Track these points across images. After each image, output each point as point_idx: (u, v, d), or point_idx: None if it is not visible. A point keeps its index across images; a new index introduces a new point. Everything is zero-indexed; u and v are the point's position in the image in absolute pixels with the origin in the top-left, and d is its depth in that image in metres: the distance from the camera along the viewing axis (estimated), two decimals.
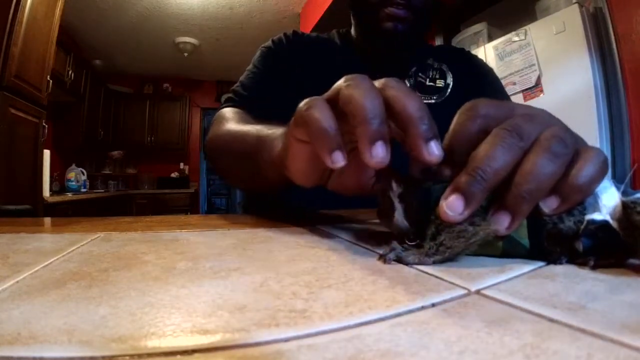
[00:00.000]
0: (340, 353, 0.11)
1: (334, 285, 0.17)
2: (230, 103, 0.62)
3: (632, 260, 0.20)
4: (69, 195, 2.83)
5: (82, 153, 3.71)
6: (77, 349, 0.11)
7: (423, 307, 0.15)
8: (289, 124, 0.29)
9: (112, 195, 3.83)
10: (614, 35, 1.52)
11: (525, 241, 0.22)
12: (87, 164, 3.81)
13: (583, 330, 0.12)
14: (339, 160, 0.23)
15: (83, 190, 3.41)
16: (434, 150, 0.22)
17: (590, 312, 0.14)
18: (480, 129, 0.22)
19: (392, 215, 0.24)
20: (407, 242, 0.23)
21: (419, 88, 0.66)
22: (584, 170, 0.20)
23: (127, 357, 0.11)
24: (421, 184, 0.24)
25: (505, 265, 0.21)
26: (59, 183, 3.20)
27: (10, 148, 1.73)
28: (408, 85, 0.66)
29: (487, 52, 1.92)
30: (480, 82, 0.69)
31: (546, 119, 0.23)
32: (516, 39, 1.77)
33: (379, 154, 0.22)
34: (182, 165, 4.80)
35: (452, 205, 0.20)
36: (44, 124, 2.06)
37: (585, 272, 0.19)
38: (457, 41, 2.27)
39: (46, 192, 2.25)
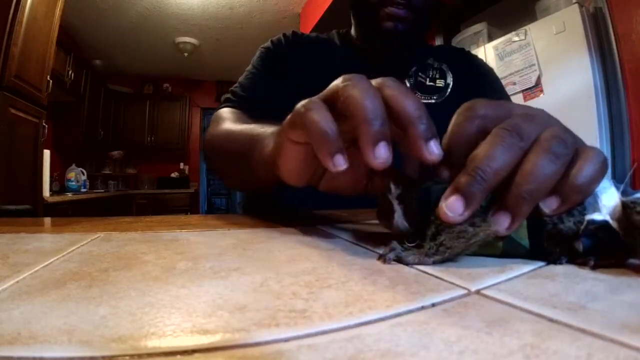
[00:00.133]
0: (340, 353, 0.11)
1: (334, 285, 0.17)
2: (228, 104, 0.62)
3: (632, 260, 0.20)
4: (69, 195, 2.83)
5: (82, 153, 3.71)
6: (77, 349, 0.11)
7: (423, 307, 0.15)
8: (282, 124, 0.29)
9: (112, 195, 3.83)
10: (614, 35, 1.52)
11: (525, 241, 0.22)
12: (87, 164, 3.81)
13: (583, 330, 0.12)
14: (340, 163, 0.23)
15: (83, 190, 3.41)
16: (433, 150, 0.22)
17: (590, 312, 0.14)
18: (479, 129, 0.23)
19: (391, 216, 0.24)
20: (407, 242, 0.23)
21: (419, 88, 0.66)
22: (584, 171, 0.20)
23: (127, 357, 0.11)
24: (420, 185, 0.24)
25: (505, 265, 0.21)
26: (59, 183, 3.20)
27: (10, 148, 1.73)
28: (408, 85, 0.66)
29: (487, 52, 1.92)
30: (481, 82, 0.69)
31: (545, 119, 0.23)
32: (516, 39, 1.77)
33: (382, 154, 0.22)
34: (182, 165, 4.81)
35: (452, 206, 0.20)
36: (44, 124, 2.06)
37: (585, 272, 0.19)
38: (457, 41, 2.27)
39: (46, 192, 2.25)
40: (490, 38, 2.05)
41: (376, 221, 0.28)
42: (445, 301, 0.15)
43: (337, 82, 0.25)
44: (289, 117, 0.27)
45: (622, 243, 0.19)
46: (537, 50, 1.69)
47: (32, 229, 0.35)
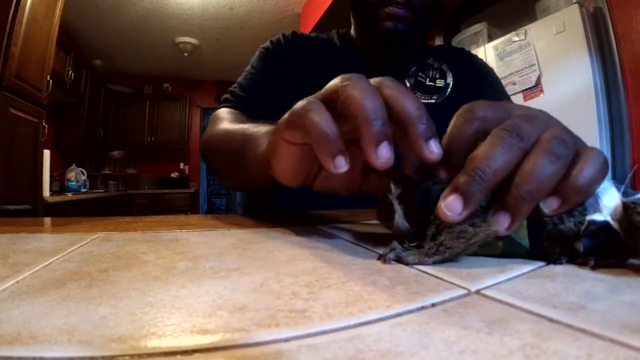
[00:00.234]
0: (340, 353, 0.11)
1: (334, 285, 0.17)
2: (226, 104, 0.62)
3: (633, 261, 0.20)
4: (69, 195, 2.83)
5: (82, 153, 3.71)
6: (77, 349, 0.11)
7: (423, 307, 0.15)
8: (278, 124, 0.28)
9: (112, 195, 3.83)
10: (614, 35, 1.52)
11: (525, 241, 0.22)
12: (87, 164, 3.81)
13: (583, 330, 0.12)
14: (342, 165, 0.23)
15: (83, 190, 3.41)
16: (433, 149, 0.23)
17: (590, 312, 0.14)
18: (478, 131, 0.23)
19: (391, 216, 0.24)
20: (407, 242, 0.23)
21: (419, 88, 0.66)
22: (585, 172, 0.20)
23: (127, 357, 0.11)
24: (420, 185, 0.24)
25: (505, 265, 0.21)
26: (59, 183, 3.20)
27: (10, 148, 1.73)
28: (408, 85, 0.66)
29: (487, 52, 1.92)
30: (481, 82, 0.69)
31: (546, 120, 0.23)
32: (516, 39, 1.77)
33: (384, 154, 0.22)
34: (182, 165, 4.81)
35: (450, 206, 0.20)
36: (44, 124, 2.06)
37: (585, 272, 0.19)
38: (457, 41, 2.27)
39: (46, 192, 2.25)
40: (490, 38, 2.05)
41: (376, 221, 0.28)
42: (445, 301, 0.15)
43: (336, 81, 0.25)
44: (285, 117, 0.27)
45: (623, 244, 0.19)
46: (537, 50, 1.69)
47: (32, 229, 0.35)
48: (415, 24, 0.59)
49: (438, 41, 2.46)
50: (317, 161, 0.25)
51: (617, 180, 0.22)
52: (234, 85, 0.65)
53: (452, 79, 0.67)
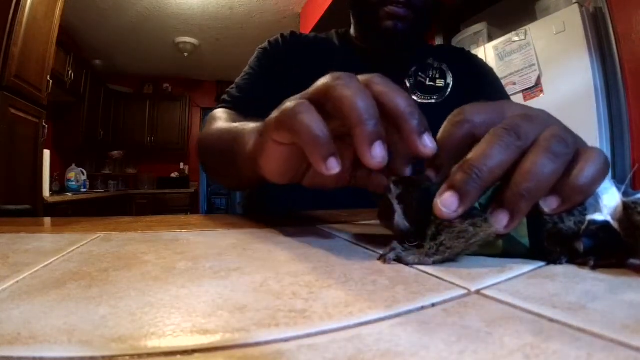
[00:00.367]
0: (340, 353, 0.11)
1: (334, 285, 0.17)
2: (223, 104, 0.62)
3: (633, 261, 0.20)
4: (69, 195, 2.83)
5: (82, 153, 3.71)
6: (77, 349, 0.11)
7: (423, 307, 0.15)
8: (265, 124, 0.28)
9: (112, 195, 3.83)
10: (614, 35, 1.52)
11: (525, 240, 0.22)
12: (87, 164, 3.81)
13: (583, 330, 0.12)
14: (334, 166, 0.23)
15: (83, 190, 3.41)
16: (427, 143, 0.23)
17: (590, 312, 0.14)
18: (467, 135, 0.23)
19: (391, 216, 0.24)
20: (407, 242, 0.23)
21: (419, 88, 0.66)
22: (585, 171, 0.20)
23: (127, 357, 0.11)
24: (420, 185, 0.24)
25: (505, 265, 0.21)
26: (59, 183, 3.20)
27: (10, 148, 1.73)
28: (408, 85, 0.66)
29: (487, 52, 1.92)
30: (481, 82, 0.69)
31: (545, 120, 0.23)
32: (516, 39, 1.77)
33: (378, 154, 0.22)
34: (182, 165, 4.81)
35: (446, 202, 0.20)
36: (44, 124, 2.06)
37: (585, 272, 0.19)
38: (457, 41, 2.27)
39: (46, 192, 2.25)
40: (490, 38, 2.05)
41: (376, 221, 0.28)
42: (445, 301, 0.15)
43: (326, 81, 0.25)
44: (273, 117, 0.27)
45: (623, 243, 0.19)
46: (537, 50, 1.69)
47: (32, 229, 0.35)
48: (415, 23, 0.59)
49: (438, 41, 2.46)
50: (306, 160, 0.25)
51: (618, 180, 0.22)
52: (232, 86, 0.65)
53: (452, 79, 0.67)
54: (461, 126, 0.23)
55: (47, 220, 0.52)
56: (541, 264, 0.21)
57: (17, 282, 0.18)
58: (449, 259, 0.21)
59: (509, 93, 1.11)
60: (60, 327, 0.13)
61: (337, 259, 0.22)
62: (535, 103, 1.69)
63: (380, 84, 0.24)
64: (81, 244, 0.27)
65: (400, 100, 0.23)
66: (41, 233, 0.33)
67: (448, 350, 0.11)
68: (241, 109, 0.59)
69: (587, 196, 0.21)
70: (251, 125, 0.35)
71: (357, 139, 0.22)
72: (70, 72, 3.00)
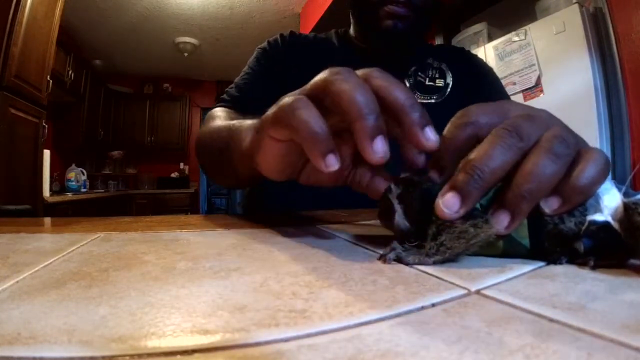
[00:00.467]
0: (340, 353, 0.11)
1: (334, 285, 0.17)
2: (222, 103, 0.62)
3: (633, 261, 0.20)
4: (69, 195, 2.83)
5: (82, 153, 3.71)
6: (77, 349, 0.11)
7: (423, 307, 0.15)
8: (262, 120, 0.28)
9: (112, 195, 3.83)
10: (614, 35, 1.52)
11: (526, 241, 0.22)
12: (87, 164, 3.81)
13: (583, 330, 0.12)
14: (332, 163, 0.23)
15: (83, 190, 3.41)
16: (430, 136, 0.23)
17: (590, 312, 0.14)
18: (470, 136, 0.23)
19: (392, 216, 0.24)
20: (407, 242, 0.23)
21: (419, 87, 0.66)
22: (586, 172, 0.20)
23: (127, 357, 0.11)
24: (421, 185, 0.24)
25: (505, 265, 0.21)
26: (59, 183, 3.20)
27: (10, 148, 1.73)
28: (407, 84, 0.66)
29: (487, 52, 1.92)
30: (480, 82, 0.69)
31: (547, 120, 0.23)
32: (516, 39, 1.77)
33: (380, 149, 0.22)
34: (182, 165, 4.81)
35: (448, 203, 0.20)
36: (44, 124, 2.06)
37: (585, 272, 0.19)
38: (457, 41, 2.27)
39: (46, 192, 2.25)
40: (490, 38, 2.05)
41: (376, 221, 0.28)
42: (445, 301, 0.15)
43: (323, 76, 0.24)
44: (270, 113, 0.26)
45: (623, 244, 0.19)
46: (537, 50, 1.69)
47: (32, 229, 0.35)
48: (415, 23, 0.59)
49: (438, 41, 2.46)
50: (303, 156, 0.24)
51: (618, 181, 0.22)
52: (231, 85, 0.65)
53: (451, 78, 0.67)
54: (465, 128, 0.23)
55: (47, 220, 0.52)
56: (541, 264, 0.21)
57: (17, 282, 0.18)
58: (449, 259, 0.21)
59: (509, 93, 1.11)
60: (60, 327, 0.13)
61: (337, 259, 0.22)
62: (535, 103, 1.69)
63: (379, 77, 0.24)
64: (81, 244, 0.27)
65: (399, 93, 0.23)
66: (41, 233, 0.33)
67: (448, 350, 0.11)
68: (240, 107, 0.59)
69: (587, 197, 0.21)
70: (248, 122, 0.35)
71: (357, 134, 0.22)
72: (70, 72, 3.00)
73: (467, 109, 0.24)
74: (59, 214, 2.36)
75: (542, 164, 0.20)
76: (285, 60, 0.65)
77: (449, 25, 2.43)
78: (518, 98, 1.74)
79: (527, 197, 0.20)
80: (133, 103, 4.52)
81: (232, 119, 0.52)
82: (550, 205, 0.20)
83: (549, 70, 1.66)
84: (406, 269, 0.20)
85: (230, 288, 0.17)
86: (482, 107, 0.24)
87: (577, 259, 0.21)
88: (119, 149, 4.40)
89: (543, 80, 1.68)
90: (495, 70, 0.79)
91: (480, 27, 2.16)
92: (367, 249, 0.26)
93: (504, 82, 0.89)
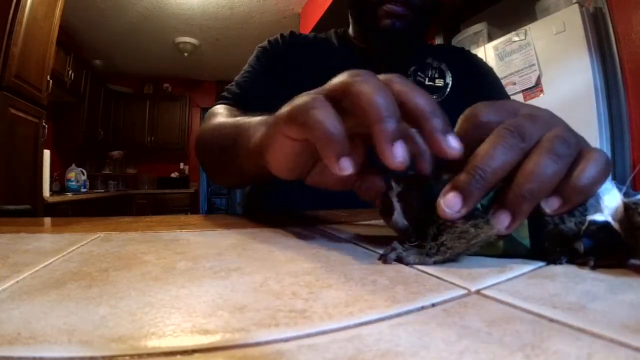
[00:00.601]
0: (340, 353, 0.11)
1: (334, 285, 0.17)
2: (222, 101, 0.62)
3: (633, 261, 0.20)
4: (69, 195, 2.83)
5: (82, 153, 3.71)
6: (77, 349, 0.11)
7: (423, 307, 0.15)
8: (276, 118, 0.27)
9: (112, 195, 3.83)
10: (614, 35, 1.52)
11: (526, 241, 0.22)
12: (87, 164, 3.81)
13: (583, 330, 0.12)
14: (347, 167, 0.22)
15: (83, 190, 3.41)
16: (452, 144, 0.22)
17: (590, 312, 0.14)
18: (482, 135, 0.22)
19: (391, 214, 0.24)
20: (407, 242, 0.23)
21: None
22: (587, 172, 0.20)
23: (127, 357, 0.11)
24: (421, 184, 0.24)
25: (505, 265, 0.21)
26: (59, 183, 3.20)
27: (10, 148, 1.73)
28: None
29: (487, 52, 1.92)
30: (480, 82, 0.69)
31: (549, 120, 0.23)
32: (516, 39, 1.77)
33: (399, 154, 0.21)
34: (182, 165, 4.81)
35: (449, 203, 0.20)
36: (44, 124, 2.06)
37: (585, 272, 0.19)
38: (457, 41, 2.27)
39: (46, 192, 2.25)
40: (490, 38, 2.05)
41: (376, 221, 0.28)
42: (445, 301, 0.15)
43: (343, 77, 0.24)
44: (285, 110, 0.26)
45: (624, 244, 0.19)
46: (537, 50, 1.69)
47: (32, 229, 0.35)
48: (414, 22, 0.59)
49: (438, 41, 2.46)
50: (314, 157, 0.24)
51: (618, 181, 0.22)
52: (231, 83, 0.65)
53: (451, 78, 0.67)
54: (477, 126, 0.23)
55: (47, 220, 0.52)
56: (541, 264, 0.21)
57: (17, 282, 0.18)
58: (450, 259, 0.21)
59: (509, 93, 1.12)
60: (60, 327, 0.13)
61: (337, 259, 0.22)
62: (535, 103, 1.69)
63: (400, 82, 0.23)
64: (81, 244, 0.27)
65: (420, 99, 0.23)
66: (41, 233, 0.33)
67: (448, 350, 0.11)
68: (240, 105, 0.59)
69: (588, 197, 0.21)
70: (257, 118, 0.35)
71: (377, 137, 0.21)
72: (70, 72, 3.00)
73: (477, 107, 0.23)
74: (59, 214, 2.36)
75: (543, 164, 0.20)
76: (285, 59, 0.65)
77: (449, 25, 2.43)
78: (518, 98, 1.74)
79: (528, 197, 0.20)
80: (133, 103, 4.52)
81: (234, 116, 0.51)
82: (550, 206, 0.20)
83: (549, 70, 1.66)
84: (406, 269, 0.20)
85: (230, 288, 0.17)
86: (491, 106, 0.23)
87: (577, 259, 0.21)
88: (119, 149, 4.40)
89: (543, 80, 1.68)
90: (495, 70, 0.79)
91: (480, 27, 2.16)
92: (367, 249, 0.26)
93: (504, 82, 0.89)
